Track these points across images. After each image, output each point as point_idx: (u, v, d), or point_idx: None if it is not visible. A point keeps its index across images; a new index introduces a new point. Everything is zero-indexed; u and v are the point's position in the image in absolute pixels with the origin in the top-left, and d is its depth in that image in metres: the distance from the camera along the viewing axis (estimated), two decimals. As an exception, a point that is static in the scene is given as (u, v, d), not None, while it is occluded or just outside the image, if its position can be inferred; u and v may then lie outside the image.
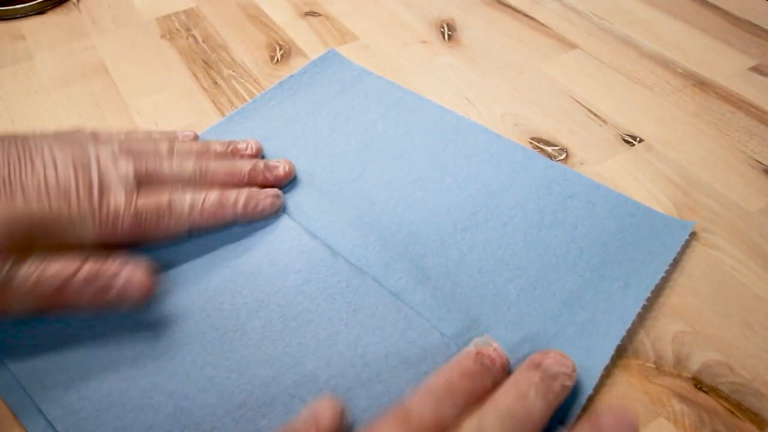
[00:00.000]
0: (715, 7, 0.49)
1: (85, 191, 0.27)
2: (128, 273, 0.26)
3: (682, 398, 0.26)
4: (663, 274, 0.29)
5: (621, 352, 0.27)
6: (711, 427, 0.25)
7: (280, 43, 0.46)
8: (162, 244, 0.30)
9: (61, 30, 0.47)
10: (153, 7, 0.50)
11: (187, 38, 0.46)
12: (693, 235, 0.32)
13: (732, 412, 0.25)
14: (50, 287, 0.25)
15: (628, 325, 0.27)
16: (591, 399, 0.25)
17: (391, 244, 0.31)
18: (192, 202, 0.29)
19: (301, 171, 0.35)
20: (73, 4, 0.50)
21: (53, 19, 0.48)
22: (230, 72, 0.43)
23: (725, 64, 0.43)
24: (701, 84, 0.42)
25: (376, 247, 0.31)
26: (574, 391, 0.25)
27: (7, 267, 0.24)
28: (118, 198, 0.27)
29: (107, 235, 0.27)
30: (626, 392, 0.26)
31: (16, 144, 0.27)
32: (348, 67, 0.43)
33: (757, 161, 0.36)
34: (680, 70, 0.43)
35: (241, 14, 0.49)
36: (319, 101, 0.40)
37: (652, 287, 0.29)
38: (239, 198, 0.31)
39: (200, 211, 0.29)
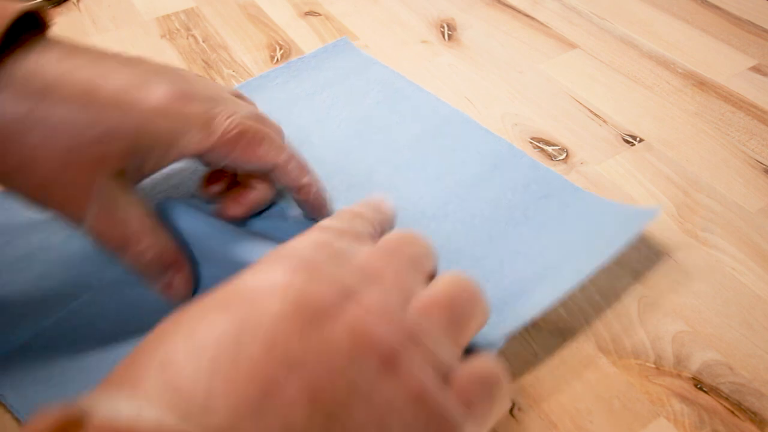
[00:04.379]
0: (715, 7, 0.49)
1: (201, 101, 0.27)
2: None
3: (682, 398, 0.26)
4: (612, 255, 0.28)
5: (621, 352, 0.27)
6: (711, 427, 0.25)
7: (280, 42, 0.46)
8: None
9: (61, 30, 0.47)
10: (153, 6, 0.50)
11: (187, 38, 0.46)
12: (693, 235, 0.32)
13: (732, 412, 0.25)
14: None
15: (559, 294, 0.26)
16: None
17: None
18: (286, 145, 0.30)
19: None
20: (73, 3, 0.50)
21: (53, 19, 0.48)
22: (230, 72, 0.43)
23: (725, 64, 0.43)
24: (701, 84, 0.42)
25: None
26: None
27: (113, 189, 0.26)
28: (229, 108, 0.28)
29: (211, 145, 0.27)
30: (626, 392, 0.26)
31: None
32: (356, 55, 0.44)
33: (757, 161, 0.36)
34: (680, 70, 0.43)
35: (241, 14, 0.49)
36: (322, 84, 0.41)
37: (604, 264, 0.28)
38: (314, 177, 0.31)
39: (290, 158, 0.30)
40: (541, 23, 0.48)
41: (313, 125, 0.38)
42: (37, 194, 0.25)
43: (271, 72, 0.42)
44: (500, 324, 0.26)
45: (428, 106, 0.39)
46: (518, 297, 0.28)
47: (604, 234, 0.30)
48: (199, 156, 0.27)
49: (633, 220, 0.31)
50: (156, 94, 0.26)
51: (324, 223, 0.23)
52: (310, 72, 0.42)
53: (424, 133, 0.37)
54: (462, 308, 0.20)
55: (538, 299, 0.27)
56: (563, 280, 0.28)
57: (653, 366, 0.27)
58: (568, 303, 0.29)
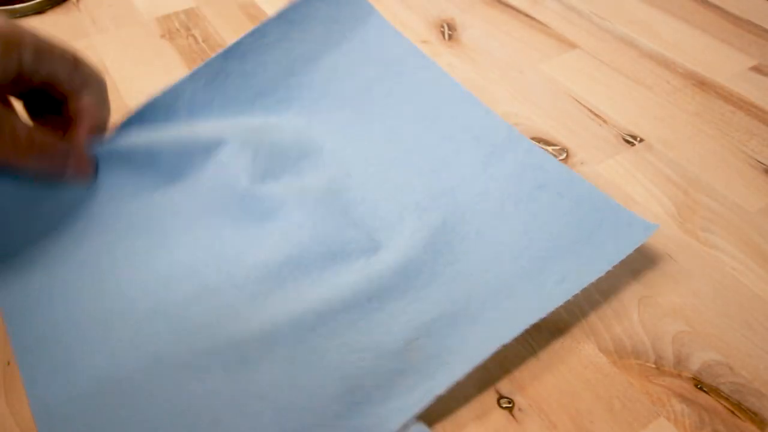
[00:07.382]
0: (715, 7, 0.49)
1: None
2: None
3: (683, 398, 0.26)
4: (602, 275, 0.28)
5: (621, 352, 0.27)
6: (711, 427, 0.25)
7: (280, 42, 0.46)
8: None
9: (61, 30, 0.47)
10: (153, 6, 0.50)
11: (187, 38, 0.46)
12: (693, 235, 0.32)
13: (732, 412, 0.25)
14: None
15: (544, 314, 0.27)
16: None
17: (351, 214, 0.32)
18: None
19: (289, 133, 0.36)
20: (73, 3, 0.50)
21: (53, 19, 0.48)
22: (230, 72, 0.43)
23: (725, 63, 0.43)
24: (701, 84, 0.42)
25: (336, 214, 0.32)
26: (455, 362, 0.26)
27: None
28: None
29: None
30: (626, 392, 0.26)
31: None
32: (352, 3, 0.41)
33: (758, 161, 0.36)
34: (680, 70, 0.43)
35: (241, 14, 0.49)
36: (318, 49, 0.40)
37: (587, 284, 0.28)
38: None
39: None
40: (541, 23, 0.48)
41: (314, 105, 0.38)
42: None
43: (258, 29, 0.38)
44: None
45: (430, 79, 0.39)
46: (498, 295, 0.28)
47: (595, 238, 0.30)
48: None
49: (629, 231, 0.30)
50: None
51: None
52: (303, 30, 0.39)
53: (422, 118, 0.37)
54: None
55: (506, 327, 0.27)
56: (549, 299, 0.27)
57: (653, 366, 0.27)
58: (568, 303, 0.29)
